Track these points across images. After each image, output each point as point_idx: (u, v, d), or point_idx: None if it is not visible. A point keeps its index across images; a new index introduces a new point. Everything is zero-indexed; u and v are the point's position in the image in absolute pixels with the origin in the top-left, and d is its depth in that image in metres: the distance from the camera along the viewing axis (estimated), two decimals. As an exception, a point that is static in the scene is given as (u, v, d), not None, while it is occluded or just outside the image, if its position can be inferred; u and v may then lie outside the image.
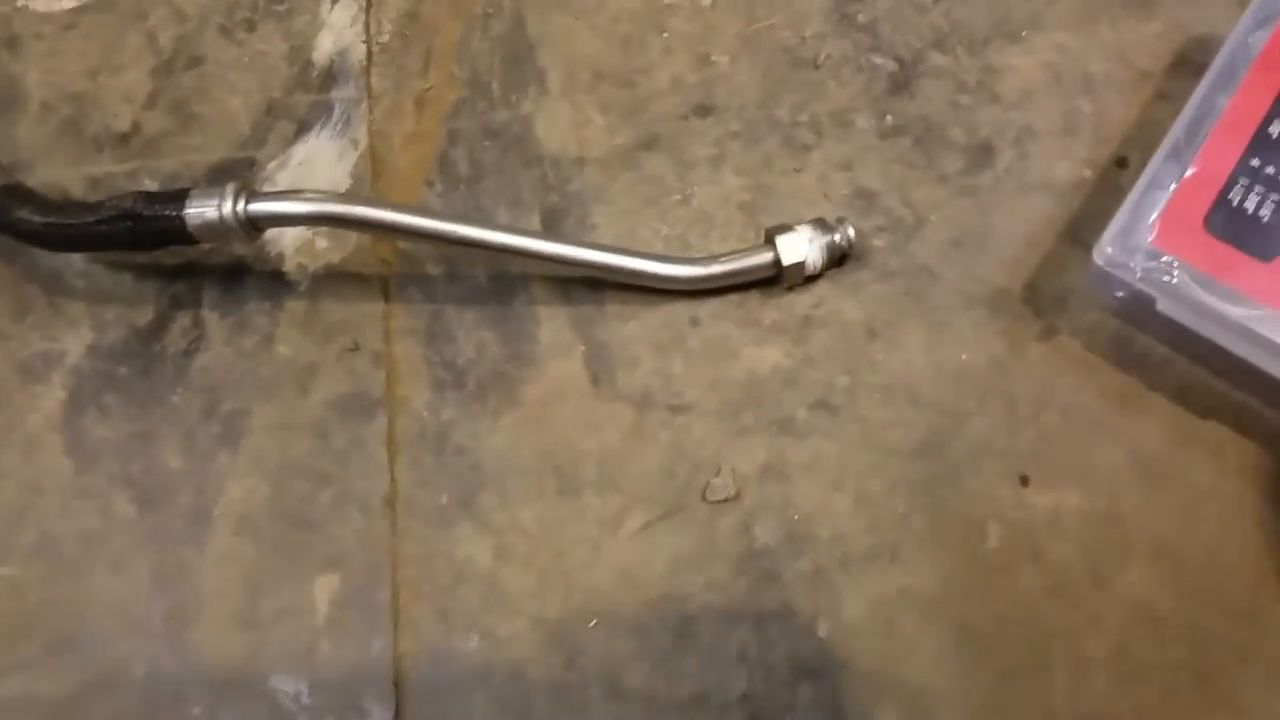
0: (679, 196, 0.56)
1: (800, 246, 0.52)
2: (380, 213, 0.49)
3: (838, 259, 0.53)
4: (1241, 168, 0.49)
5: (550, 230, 0.55)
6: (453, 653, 0.48)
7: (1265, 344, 0.47)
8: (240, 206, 0.49)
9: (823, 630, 0.47)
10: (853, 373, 0.52)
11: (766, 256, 0.52)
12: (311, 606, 0.49)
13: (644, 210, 0.56)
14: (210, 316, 0.54)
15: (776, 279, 0.53)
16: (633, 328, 0.53)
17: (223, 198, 0.49)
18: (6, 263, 0.56)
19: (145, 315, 0.55)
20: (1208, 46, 0.56)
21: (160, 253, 0.54)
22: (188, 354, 0.54)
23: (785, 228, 0.52)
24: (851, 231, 0.52)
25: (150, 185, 0.57)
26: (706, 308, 0.53)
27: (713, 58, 0.58)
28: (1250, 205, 0.49)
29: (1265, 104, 0.50)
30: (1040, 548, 0.48)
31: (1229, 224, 0.48)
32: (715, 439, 0.51)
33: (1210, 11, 0.57)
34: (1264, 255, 0.48)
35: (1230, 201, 0.49)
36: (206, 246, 0.54)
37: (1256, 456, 0.49)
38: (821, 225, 0.52)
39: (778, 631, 0.47)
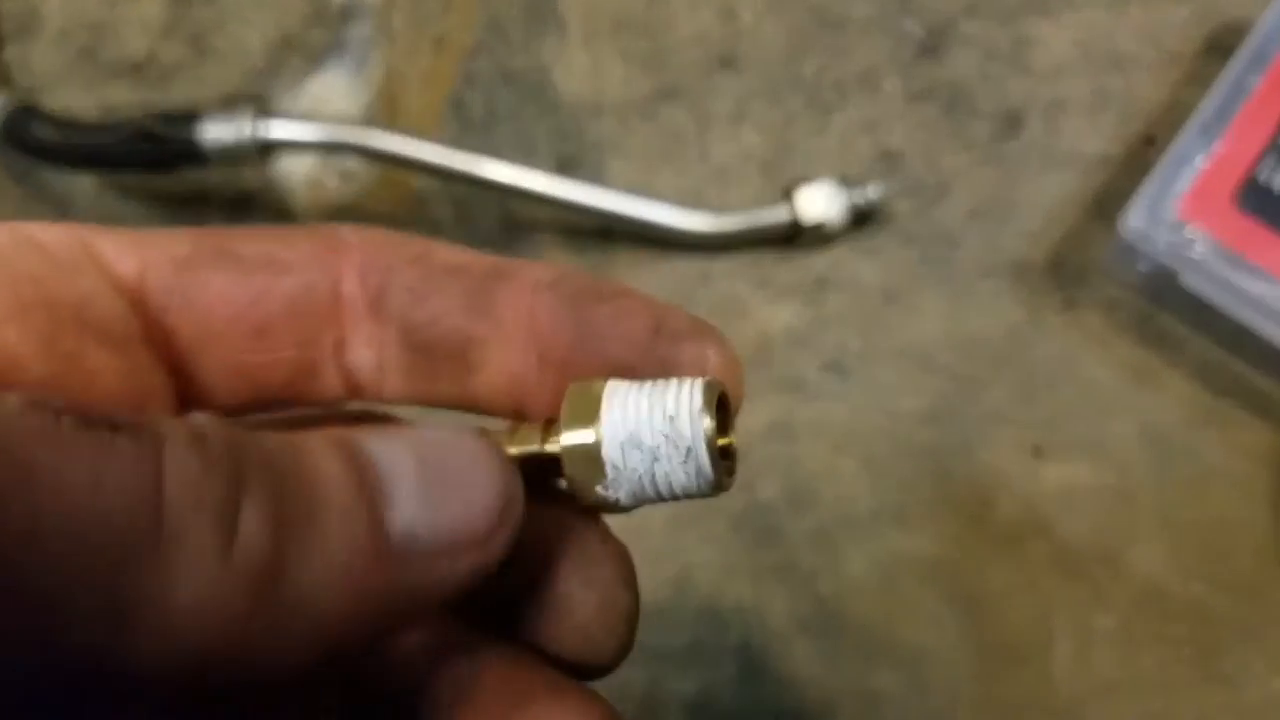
0: (697, 151, 0.55)
1: (820, 205, 0.51)
2: (395, 143, 0.48)
3: (858, 220, 0.52)
4: (1272, 146, 0.49)
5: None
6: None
7: (1287, 322, 0.46)
8: (255, 128, 0.48)
9: (822, 588, 0.46)
10: (866, 336, 0.51)
11: (784, 213, 0.51)
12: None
13: (660, 163, 0.55)
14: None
15: (793, 237, 0.52)
16: (642, 281, 0.52)
17: (239, 119, 0.48)
18: (16, 183, 0.55)
19: (150, 242, 0.54)
20: (1240, 31, 0.55)
21: (170, 181, 0.53)
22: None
23: (805, 183, 0.51)
24: (872, 192, 0.51)
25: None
26: (719, 264, 0.53)
27: (739, 12, 0.58)
28: (1278, 184, 0.48)
29: (1298, 85, 0.50)
30: (1049, 519, 0.47)
31: (1256, 201, 0.48)
32: (723, 395, 0.50)
33: (1244, -5, 0.57)
34: (1291, 233, 0.47)
35: (1258, 179, 0.48)
36: (217, 177, 0.54)
37: (1270, 438, 0.48)
38: (842, 185, 0.51)
39: (776, 587, 0.46)
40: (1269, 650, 0.46)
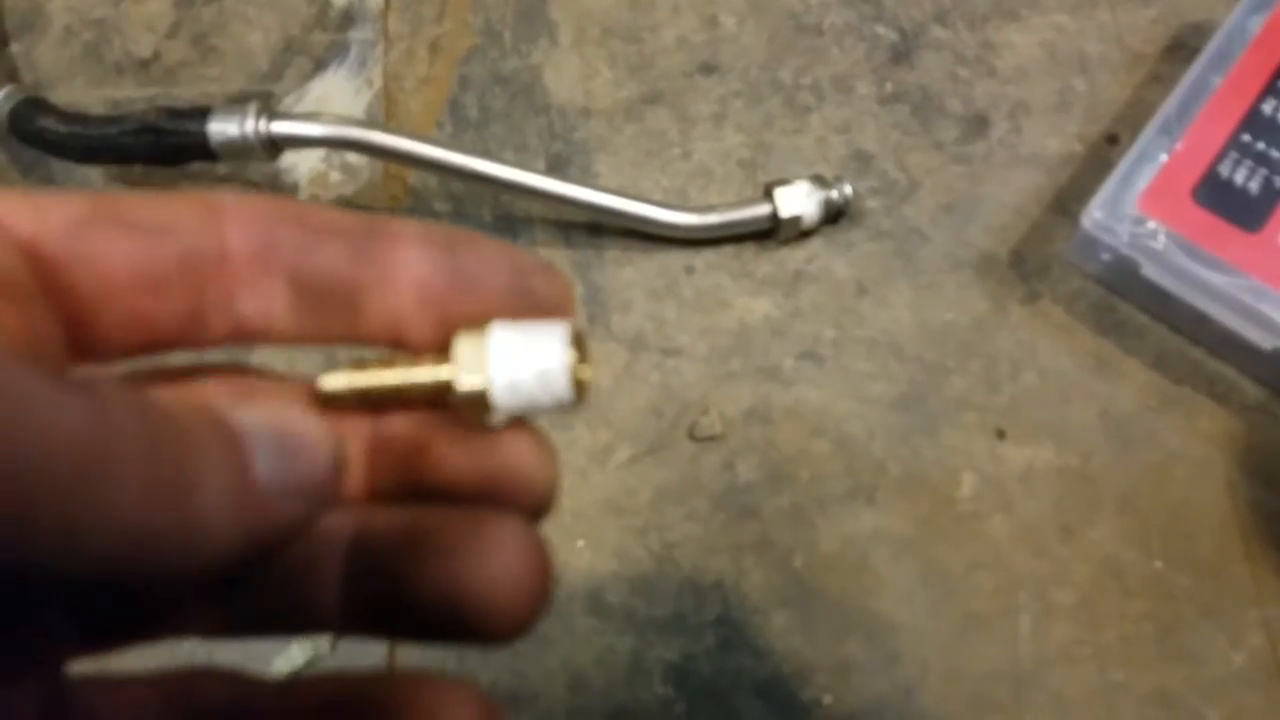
0: (680, 150, 0.57)
1: (797, 201, 0.53)
2: (396, 140, 0.50)
3: (832, 216, 0.55)
4: (1232, 143, 0.51)
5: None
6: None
7: (1245, 311, 0.48)
8: (262, 125, 0.50)
9: (798, 563, 0.49)
10: (840, 326, 0.53)
11: (764, 209, 0.54)
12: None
13: (646, 162, 0.57)
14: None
15: (772, 232, 0.54)
16: (629, 273, 0.55)
17: (245, 115, 0.50)
18: (24, 174, 0.57)
19: (156, 236, 0.56)
20: (1203, 32, 0.57)
21: (177, 175, 0.55)
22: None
23: (783, 182, 0.54)
24: (848, 189, 0.54)
25: (168, 111, 0.58)
26: (702, 258, 0.55)
27: (720, 19, 0.60)
28: (1239, 178, 0.50)
29: (1259, 84, 0.52)
30: (1012, 498, 0.50)
31: (1216, 195, 0.50)
32: (704, 382, 0.52)
33: (1207, -1, 0.59)
34: (1249, 226, 0.49)
35: (1219, 174, 0.50)
36: (223, 170, 0.56)
37: (1228, 423, 0.51)
38: (819, 182, 0.54)
39: (754, 562, 0.49)
40: (1229, 627, 0.47)
